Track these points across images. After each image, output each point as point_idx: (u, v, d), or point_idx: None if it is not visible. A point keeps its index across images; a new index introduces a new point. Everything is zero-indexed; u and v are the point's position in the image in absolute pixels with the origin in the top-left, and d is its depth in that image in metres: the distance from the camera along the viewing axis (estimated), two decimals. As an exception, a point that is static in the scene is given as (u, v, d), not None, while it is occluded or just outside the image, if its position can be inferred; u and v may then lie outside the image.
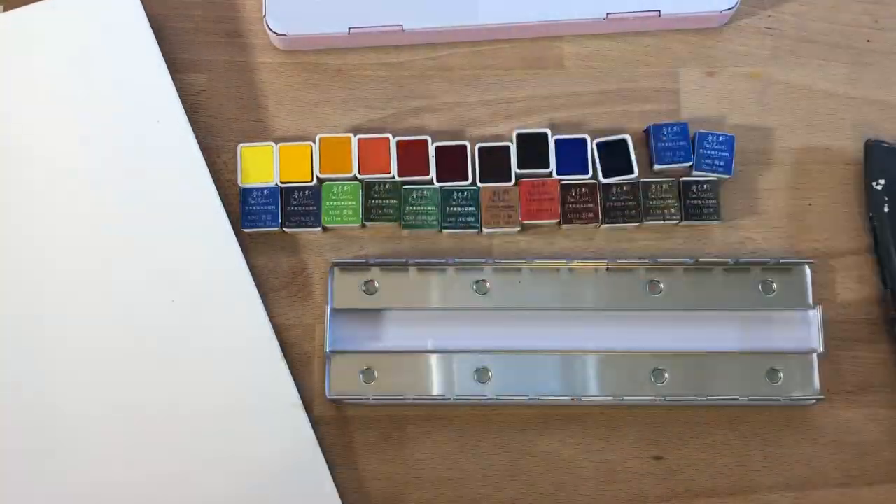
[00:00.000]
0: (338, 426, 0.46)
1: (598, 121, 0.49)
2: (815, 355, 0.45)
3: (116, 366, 0.45)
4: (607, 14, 0.49)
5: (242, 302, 0.46)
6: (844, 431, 0.46)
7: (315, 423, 0.45)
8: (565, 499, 0.46)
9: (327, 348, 0.45)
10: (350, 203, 0.47)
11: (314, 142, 0.47)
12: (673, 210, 0.47)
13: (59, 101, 0.48)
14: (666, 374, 0.45)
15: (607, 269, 0.46)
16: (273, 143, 0.47)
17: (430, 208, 0.47)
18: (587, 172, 0.47)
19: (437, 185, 0.47)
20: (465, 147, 0.47)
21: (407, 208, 0.47)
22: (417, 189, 0.47)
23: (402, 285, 0.46)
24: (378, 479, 0.45)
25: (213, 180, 0.47)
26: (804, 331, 0.46)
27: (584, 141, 0.48)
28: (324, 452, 0.45)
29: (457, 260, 0.46)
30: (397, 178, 0.47)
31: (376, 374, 0.45)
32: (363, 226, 0.48)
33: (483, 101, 0.50)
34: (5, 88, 0.48)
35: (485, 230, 0.47)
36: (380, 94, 0.50)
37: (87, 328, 0.45)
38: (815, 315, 0.45)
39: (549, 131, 0.47)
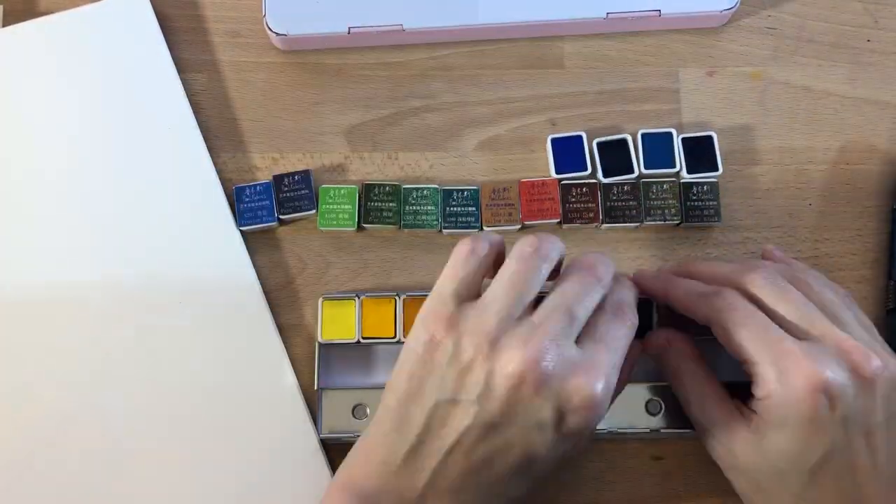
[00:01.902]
0: (338, 426, 0.46)
1: (598, 121, 0.49)
2: None
3: (121, 365, 0.45)
4: (607, 14, 0.49)
5: (248, 303, 0.46)
6: (844, 431, 0.46)
7: (315, 424, 0.45)
8: (565, 499, 0.46)
9: (317, 385, 0.44)
10: (346, 207, 0.47)
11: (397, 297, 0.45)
12: (674, 210, 0.47)
13: (72, 105, 0.48)
14: (661, 405, 0.45)
15: None
16: (356, 297, 0.45)
17: (429, 208, 0.47)
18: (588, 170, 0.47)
19: (437, 185, 0.47)
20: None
21: (406, 208, 0.47)
22: (417, 189, 0.47)
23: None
24: (378, 480, 0.45)
25: (213, 180, 0.48)
26: None
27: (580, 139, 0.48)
28: (325, 452, 0.45)
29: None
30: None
31: (368, 410, 0.44)
32: (359, 229, 0.48)
33: (483, 101, 0.50)
34: (22, 95, 0.48)
35: (485, 228, 0.47)
36: (380, 94, 0.50)
37: (93, 327, 0.45)
38: None
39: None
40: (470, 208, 0.47)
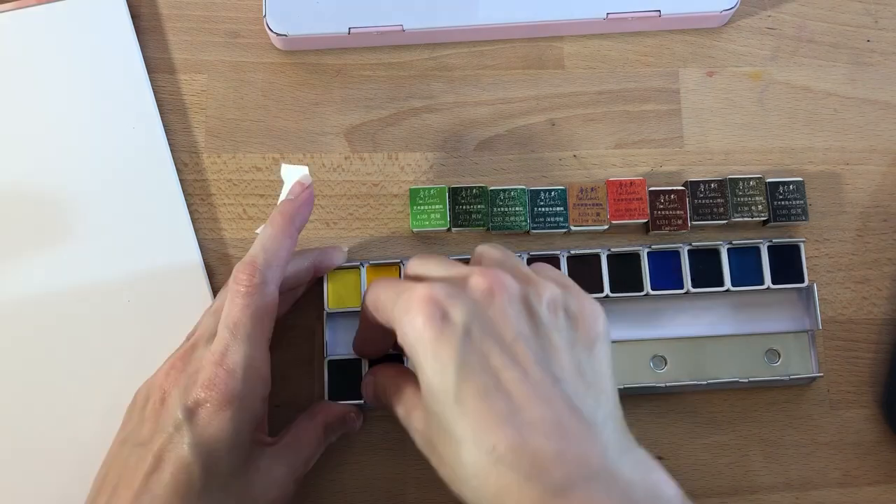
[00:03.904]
0: (338, 426, 0.46)
1: (598, 121, 0.49)
2: (811, 333, 0.46)
3: (76, 361, 0.45)
4: (607, 14, 0.49)
5: (198, 304, 0.46)
6: (844, 431, 0.46)
7: (315, 424, 0.45)
8: (565, 499, 0.45)
9: (327, 356, 0.45)
10: (437, 207, 0.47)
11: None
12: (761, 207, 0.47)
13: (36, 100, 0.48)
14: (666, 361, 0.45)
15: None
16: (360, 265, 0.46)
17: (518, 209, 0.47)
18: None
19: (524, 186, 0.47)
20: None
21: (495, 210, 0.47)
22: (504, 190, 0.47)
23: None
24: (378, 479, 0.45)
25: (213, 180, 0.48)
26: (800, 310, 0.47)
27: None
28: (324, 453, 0.44)
29: (451, 256, 0.46)
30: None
31: None
32: (449, 230, 0.47)
33: (483, 101, 0.50)
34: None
35: (573, 228, 0.47)
36: (380, 94, 0.50)
37: (49, 327, 0.46)
38: (810, 293, 0.46)
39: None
40: (558, 208, 0.47)
